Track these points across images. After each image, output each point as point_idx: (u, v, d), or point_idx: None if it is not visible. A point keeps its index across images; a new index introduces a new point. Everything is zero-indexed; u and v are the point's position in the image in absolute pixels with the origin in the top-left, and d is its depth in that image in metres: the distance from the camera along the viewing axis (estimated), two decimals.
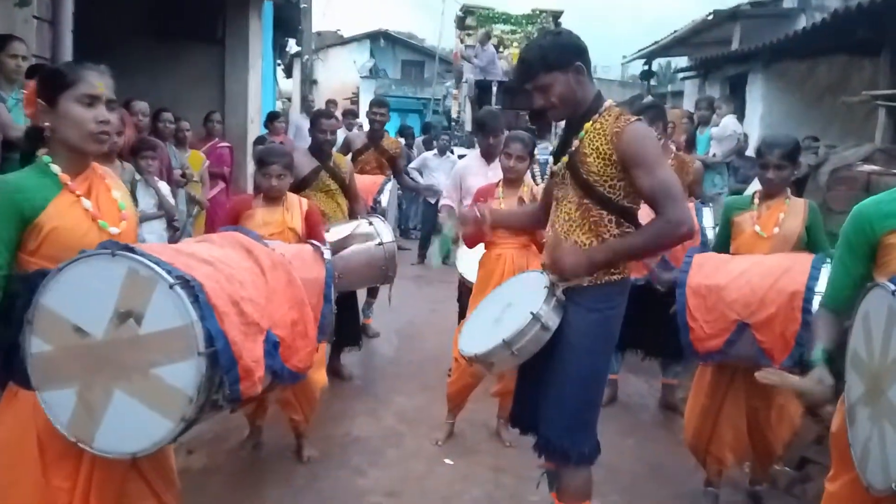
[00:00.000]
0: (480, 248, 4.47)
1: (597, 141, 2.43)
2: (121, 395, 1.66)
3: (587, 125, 2.47)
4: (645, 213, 2.49)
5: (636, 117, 2.48)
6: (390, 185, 5.76)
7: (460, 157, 9.61)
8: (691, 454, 3.55)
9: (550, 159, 2.71)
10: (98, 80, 1.88)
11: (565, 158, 2.52)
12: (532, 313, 2.41)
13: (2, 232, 1.77)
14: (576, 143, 2.49)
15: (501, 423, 4.13)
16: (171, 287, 1.63)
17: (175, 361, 1.63)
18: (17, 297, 1.79)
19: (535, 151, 4.70)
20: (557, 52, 2.47)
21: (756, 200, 3.43)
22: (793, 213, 3.34)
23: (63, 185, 1.87)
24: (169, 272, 1.65)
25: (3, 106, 4.29)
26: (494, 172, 4.41)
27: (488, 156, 4.77)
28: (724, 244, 3.59)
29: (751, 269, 3.14)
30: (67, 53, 5.48)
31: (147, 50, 8.07)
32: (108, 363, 1.67)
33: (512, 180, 3.99)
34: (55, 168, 1.88)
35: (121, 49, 6.94)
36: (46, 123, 1.86)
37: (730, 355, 3.13)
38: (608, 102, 2.53)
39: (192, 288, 1.67)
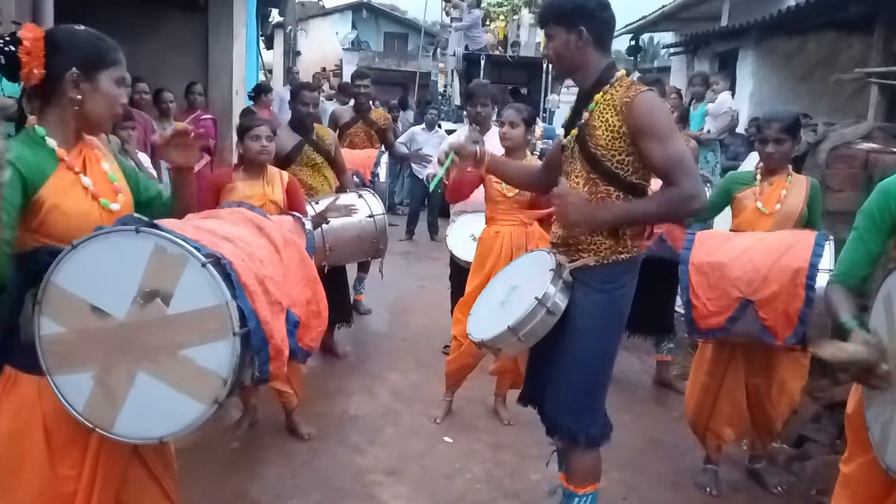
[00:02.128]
0: (470, 226, 4.42)
1: (606, 113, 2.36)
2: (145, 378, 1.58)
3: (597, 97, 2.40)
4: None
5: (647, 87, 2.40)
6: (385, 158, 5.67)
7: (448, 132, 9.51)
8: (689, 430, 3.57)
9: (561, 131, 2.65)
10: (125, 62, 1.87)
11: (574, 131, 2.45)
12: (537, 298, 2.36)
13: (17, 199, 1.66)
14: (585, 115, 2.42)
15: (499, 400, 4.12)
16: (203, 265, 1.55)
17: (208, 342, 1.55)
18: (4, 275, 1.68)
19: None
20: (566, 8, 2.42)
21: (758, 176, 3.39)
22: (795, 189, 3.32)
23: (60, 160, 1.77)
24: (198, 249, 1.57)
25: None
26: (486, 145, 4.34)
27: (478, 126, 4.71)
28: (713, 208, 3.55)
29: (753, 246, 3.12)
30: (48, 19, 5.27)
31: (127, 17, 7.79)
32: (131, 345, 1.58)
33: (509, 150, 3.92)
34: (51, 142, 1.77)
35: (100, 15, 6.72)
36: (76, 95, 1.76)
37: (732, 332, 3.12)
38: (619, 73, 2.44)
39: (222, 266, 1.59)
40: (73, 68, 1.75)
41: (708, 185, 4.53)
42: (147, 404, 1.59)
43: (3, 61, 1.72)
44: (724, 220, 3.65)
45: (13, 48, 1.71)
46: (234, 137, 8.11)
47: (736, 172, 3.73)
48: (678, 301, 5.26)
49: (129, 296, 1.57)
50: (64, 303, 1.60)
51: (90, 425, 1.63)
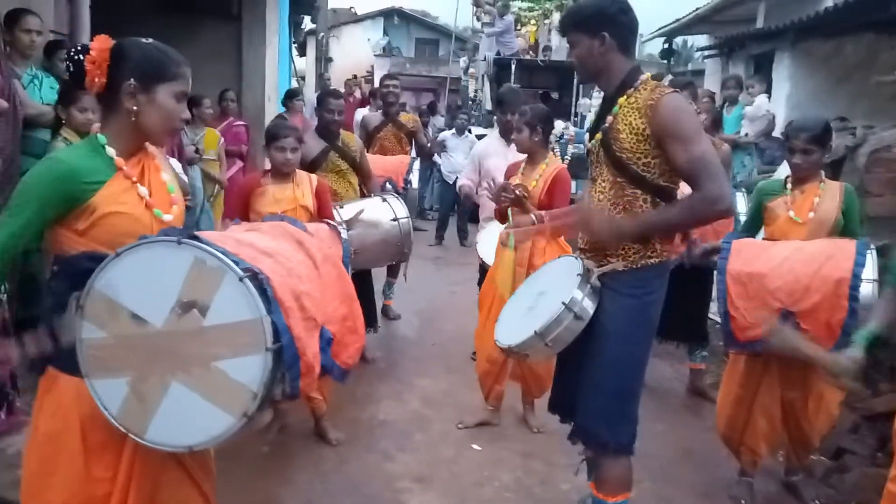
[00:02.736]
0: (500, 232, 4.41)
1: (630, 116, 2.34)
2: (178, 388, 1.60)
3: (621, 100, 2.39)
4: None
5: (672, 89, 2.38)
6: (417, 165, 5.69)
7: (479, 136, 9.50)
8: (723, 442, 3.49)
9: (586, 137, 2.64)
10: (189, 78, 1.92)
11: (599, 135, 2.45)
12: (563, 303, 2.34)
13: (44, 211, 1.72)
14: (610, 119, 2.41)
15: (528, 408, 4.08)
16: (240, 279, 1.56)
17: (240, 356, 1.57)
18: (37, 275, 1.72)
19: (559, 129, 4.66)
20: (586, 14, 2.43)
21: (788, 185, 3.32)
22: (828, 196, 3.23)
23: (118, 168, 1.81)
24: (237, 263, 1.59)
25: (18, 83, 4.21)
26: (515, 153, 4.33)
27: (507, 134, 4.69)
28: (751, 228, 3.49)
29: (792, 255, 3.04)
30: (86, 29, 5.40)
31: (163, 25, 7.92)
32: (166, 354, 1.60)
33: (529, 155, 3.94)
34: (111, 151, 1.82)
35: (137, 23, 6.85)
36: (132, 106, 1.80)
37: (772, 344, 3.03)
38: (644, 76, 2.43)
39: (259, 281, 1.60)
40: (132, 79, 1.80)
41: (739, 189, 4.44)
42: (179, 413, 1.60)
43: (71, 69, 1.79)
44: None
45: (81, 57, 1.78)
46: None
47: (764, 183, 3.65)
48: (712, 308, 5.19)
49: (168, 305, 1.59)
50: (105, 308, 1.63)
51: (123, 430, 1.66)
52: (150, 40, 1.89)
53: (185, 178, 4.89)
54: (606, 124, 2.41)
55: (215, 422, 1.59)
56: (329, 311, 1.88)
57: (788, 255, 3.04)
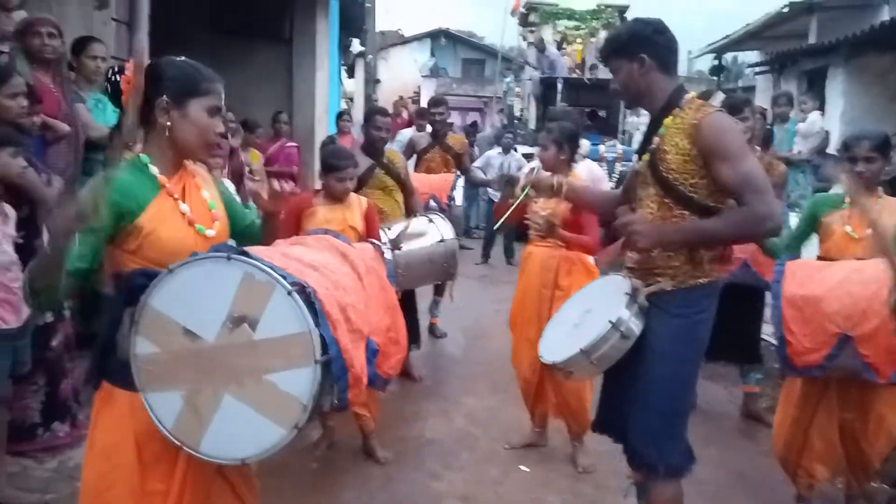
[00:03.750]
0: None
1: (676, 137, 2.34)
2: (231, 401, 1.63)
3: (667, 121, 2.39)
4: None
5: (716, 108, 2.38)
6: (461, 182, 5.72)
7: (525, 155, 9.49)
8: (778, 465, 3.39)
9: (634, 157, 2.63)
10: (222, 91, 1.92)
11: (647, 156, 2.44)
12: (611, 321, 2.33)
13: (97, 230, 1.75)
14: (656, 140, 2.40)
15: (576, 446, 3.84)
16: (288, 293, 1.59)
17: (290, 368, 1.59)
18: (99, 293, 1.78)
19: (602, 148, 4.59)
20: (625, 39, 2.45)
21: (847, 199, 3.24)
22: (887, 212, 3.12)
23: (161, 186, 1.86)
24: (284, 278, 1.62)
25: (83, 106, 4.39)
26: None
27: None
28: (800, 239, 3.41)
29: (849, 276, 2.93)
30: (144, 54, 5.61)
31: (216, 48, 8.17)
32: (219, 367, 1.64)
33: (550, 172, 3.87)
34: (154, 169, 1.87)
35: (191, 47, 7.04)
36: (166, 122, 1.85)
37: (830, 369, 2.94)
38: (689, 95, 2.43)
39: (307, 294, 1.64)
40: (164, 96, 1.84)
41: (793, 209, 4.34)
42: (231, 426, 1.63)
43: (109, 89, 1.88)
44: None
45: (117, 77, 1.85)
46: (317, 164, 8.38)
47: (823, 195, 3.56)
48: (765, 329, 5.07)
49: (220, 320, 1.62)
50: (159, 324, 1.67)
51: (178, 443, 1.69)
52: (183, 58, 1.92)
53: (237, 197, 5.02)
54: (654, 145, 2.41)
55: (267, 434, 1.61)
56: (374, 322, 1.89)
57: (845, 277, 2.94)
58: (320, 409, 1.69)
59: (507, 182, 3.93)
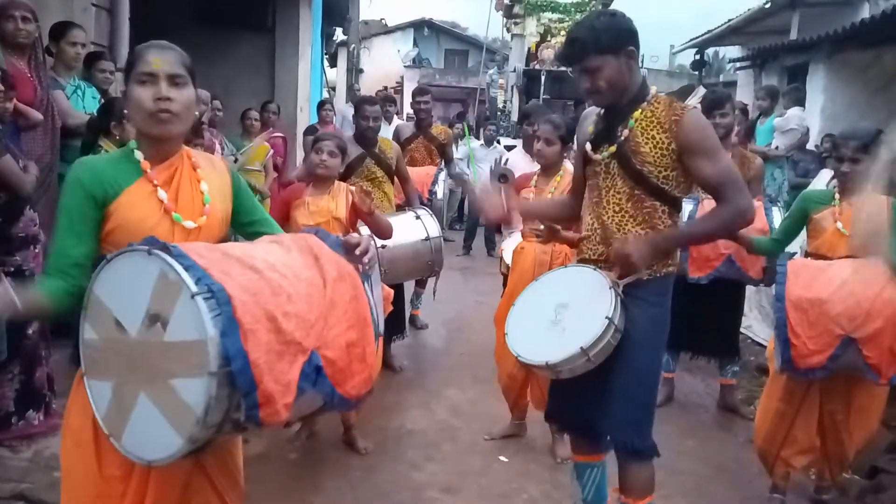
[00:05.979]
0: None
1: (651, 130, 2.38)
2: (144, 400, 1.56)
3: (636, 113, 2.41)
4: None
5: (693, 106, 2.43)
6: (443, 176, 5.70)
7: (507, 147, 9.51)
8: (755, 456, 3.44)
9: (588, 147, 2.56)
10: (154, 57, 1.79)
11: (612, 148, 2.44)
12: (607, 317, 2.34)
13: (76, 214, 1.74)
14: (624, 132, 2.41)
15: (556, 437, 3.86)
16: (192, 297, 1.47)
17: (188, 376, 1.49)
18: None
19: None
20: (612, 34, 2.37)
21: (837, 196, 3.26)
22: (872, 209, 3.17)
23: (143, 172, 1.82)
24: (198, 280, 1.49)
25: (62, 93, 4.33)
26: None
27: (531, 147, 4.66)
28: (789, 234, 3.43)
29: (852, 277, 2.91)
30: (125, 41, 5.54)
31: (199, 38, 8.09)
32: (139, 364, 1.57)
33: (544, 167, 3.86)
34: (138, 155, 1.83)
35: (174, 36, 6.95)
36: (125, 109, 1.84)
37: (832, 370, 2.94)
38: (653, 90, 2.47)
39: (216, 300, 1.50)
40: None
41: (776, 204, 4.37)
42: (144, 425, 1.56)
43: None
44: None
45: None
46: (299, 154, 8.34)
47: (813, 191, 3.58)
48: (743, 323, 5.12)
49: (140, 315, 1.55)
50: (99, 311, 1.62)
51: (107, 432, 1.64)
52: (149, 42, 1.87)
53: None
54: (621, 137, 2.41)
55: (169, 440, 1.52)
56: (329, 336, 1.68)
57: (848, 278, 2.92)
58: (236, 421, 1.56)
59: (500, 177, 3.89)
